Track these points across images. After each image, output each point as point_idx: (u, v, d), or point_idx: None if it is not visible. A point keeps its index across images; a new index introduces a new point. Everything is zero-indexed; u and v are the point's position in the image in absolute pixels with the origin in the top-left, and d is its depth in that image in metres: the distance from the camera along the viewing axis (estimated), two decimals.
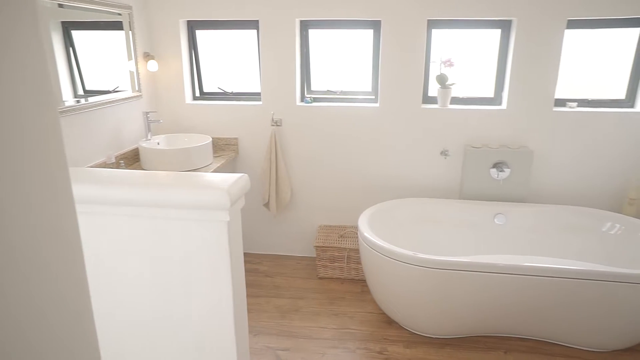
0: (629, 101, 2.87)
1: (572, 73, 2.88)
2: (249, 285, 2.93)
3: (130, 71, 2.80)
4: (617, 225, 2.70)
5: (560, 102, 2.91)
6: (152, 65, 2.93)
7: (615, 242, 2.67)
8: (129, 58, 2.77)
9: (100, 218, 1.28)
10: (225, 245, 1.26)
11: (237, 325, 1.34)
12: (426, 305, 2.30)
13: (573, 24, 2.74)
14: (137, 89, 2.86)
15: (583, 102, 2.92)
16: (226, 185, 1.23)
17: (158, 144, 2.85)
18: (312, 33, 3.02)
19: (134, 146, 2.82)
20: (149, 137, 2.82)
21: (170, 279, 1.31)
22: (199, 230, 1.26)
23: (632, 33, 2.77)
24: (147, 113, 2.81)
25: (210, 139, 2.85)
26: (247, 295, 2.79)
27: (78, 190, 1.22)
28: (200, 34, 3.12)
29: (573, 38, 2.81)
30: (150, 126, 2.84)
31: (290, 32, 2.90)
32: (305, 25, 2.99)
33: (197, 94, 3.25)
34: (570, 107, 2.89)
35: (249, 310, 2.64)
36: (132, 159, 2.79)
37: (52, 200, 0.48)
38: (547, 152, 2.93)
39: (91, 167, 2.38)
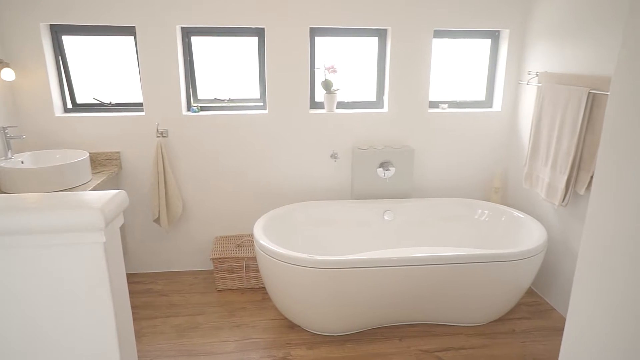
0: (488, 102, 3.26)
1: (442, 77, 3.19)
2: (142, 307, 2.73)
3: None
4: (486, 212, 3.05)
5: (434, 104, 3.20)
6: (8, 74, 2.59)
7: (485, 227, 3.01)
8: None
9: None
10: (103, 268, 1.16)
11: (123, 355, 1.24)
12: (325, 305, 2.36)
13: (439, 34, 3.04)
14: None
15: (452, 104, 3.24)
16: (99, 203, 1.13)
17: (22, 162, 2.53)
18: (195, 40, 2.93)
19: None
20: (9, 156, 2.49)
21: (43, 314, 1.17)
22: (72, 256, 1.14)
23: (486, 44, 3.16)
24: (4, 128, 2.48)
25: (88, 155, 2.61)
26: (141, 318, 2.61)
27: None
28: (67, 40, 2.84)
29: (441, 46, 3.12)
30: (10, 143, 2.51)
31: (171, 39, 2.78)
32: (187, 32, 2.89)
33: (70, 105, 2.95)
34: (442, 109, 3.19)
35: (143, 334, 2.47)
36: None
37: None
38: (426, 150, 3.20)
39: None
